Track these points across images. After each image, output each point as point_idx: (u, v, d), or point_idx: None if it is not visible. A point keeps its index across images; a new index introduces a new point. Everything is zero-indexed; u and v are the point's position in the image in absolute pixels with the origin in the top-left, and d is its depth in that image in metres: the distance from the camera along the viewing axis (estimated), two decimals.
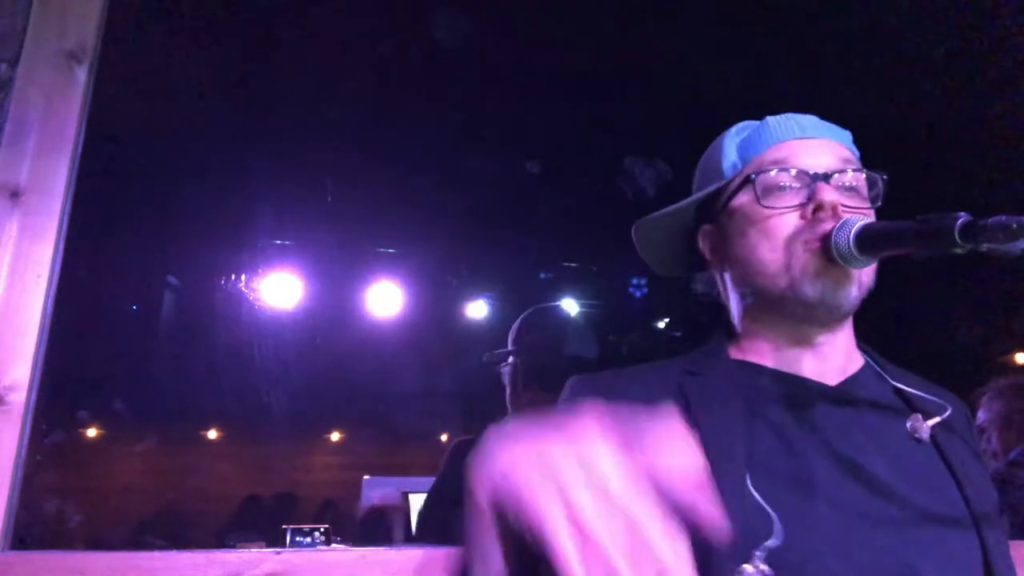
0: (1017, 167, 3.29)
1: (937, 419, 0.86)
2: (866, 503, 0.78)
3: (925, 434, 0.85)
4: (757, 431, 0.81)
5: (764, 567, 0.70)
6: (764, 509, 0.73)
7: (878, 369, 0.92)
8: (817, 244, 0.83)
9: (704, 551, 0.72)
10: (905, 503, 0.79)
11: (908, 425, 0.85)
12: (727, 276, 0.96)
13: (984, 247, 0.69)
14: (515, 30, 3.14)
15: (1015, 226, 0.66)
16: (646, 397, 0.86)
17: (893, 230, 0.77)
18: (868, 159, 0.95)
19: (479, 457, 0.53)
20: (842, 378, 0.88)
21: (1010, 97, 3.12)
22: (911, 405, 0.88)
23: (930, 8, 2.77)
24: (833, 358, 0.89)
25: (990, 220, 0.68)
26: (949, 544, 0.78)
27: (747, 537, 0.71)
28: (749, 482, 0.75)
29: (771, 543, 0.71)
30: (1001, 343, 5.96)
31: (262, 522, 6.62)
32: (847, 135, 0.95)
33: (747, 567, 0.70)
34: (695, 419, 0.81)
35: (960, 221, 0.70)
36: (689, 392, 0.85)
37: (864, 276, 0.86)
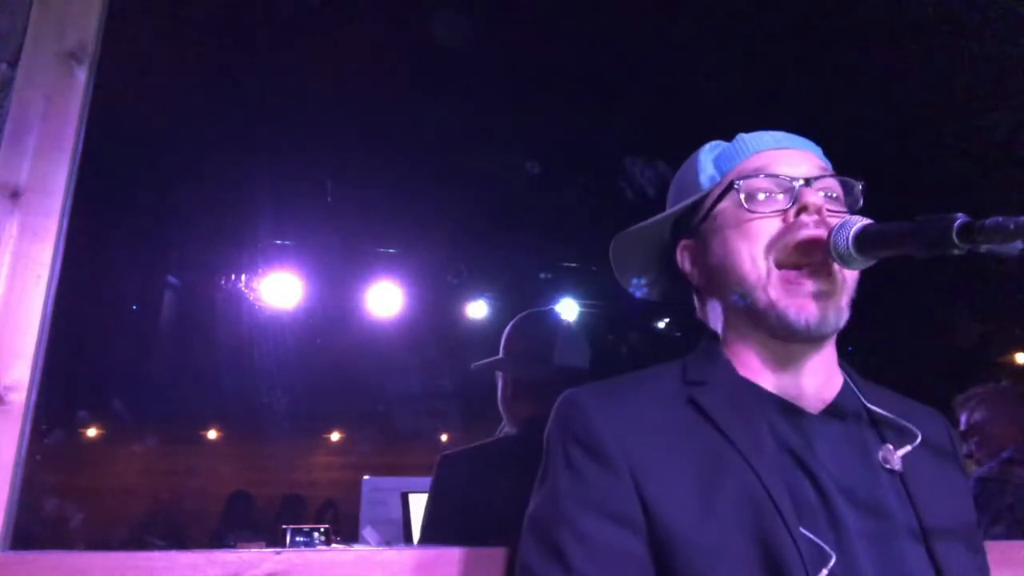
0: (1015, 168, 3.29)
1: (908, 448, 0.85)
2: (858, 527, 0.78)
3: (897, 464, 0.84)
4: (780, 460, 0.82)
5: None
6: (814, 541, 0.75)
7: (855, 389, 0.92)
8: (798, 249, 0.84)
9: None
10: (886, 527, 0.80)
11: (880, 455, 0.85)
12: (708, 288, 0.96)
13: (982, 248, 0.70)
14: (515, 30, 3.14)
15: (1012, 227, 0.66)
16: (654, 409, 0.86)
17: (892, 231, 0.77)
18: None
19: None
20: (825, 399, 0.89)
21: (1009, 98, 3.13)
22: (884, 431, 0.88)
23: (928, 12, 2.77)
24: (817, 373, 0.89)
25: (988, 221, 0.68)
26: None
27: (807, 568, 0.73)
28: (796, 516, 0.77)
29: (830, 565, 0.73)
30: (1001, 343, 5.97)
31: (253, 520, 6.61)
32: (818, 148, 0.96)
33: None
34: (723, 432, 0.81)
35: (958, 222, 0.70)
36: (706, 405, 0.85)
37: (847, 296, 0.86)
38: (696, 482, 0.79)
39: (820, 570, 0.72)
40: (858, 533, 0.77)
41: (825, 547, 0.74)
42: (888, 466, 0.84)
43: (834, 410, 0.88)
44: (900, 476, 0.84)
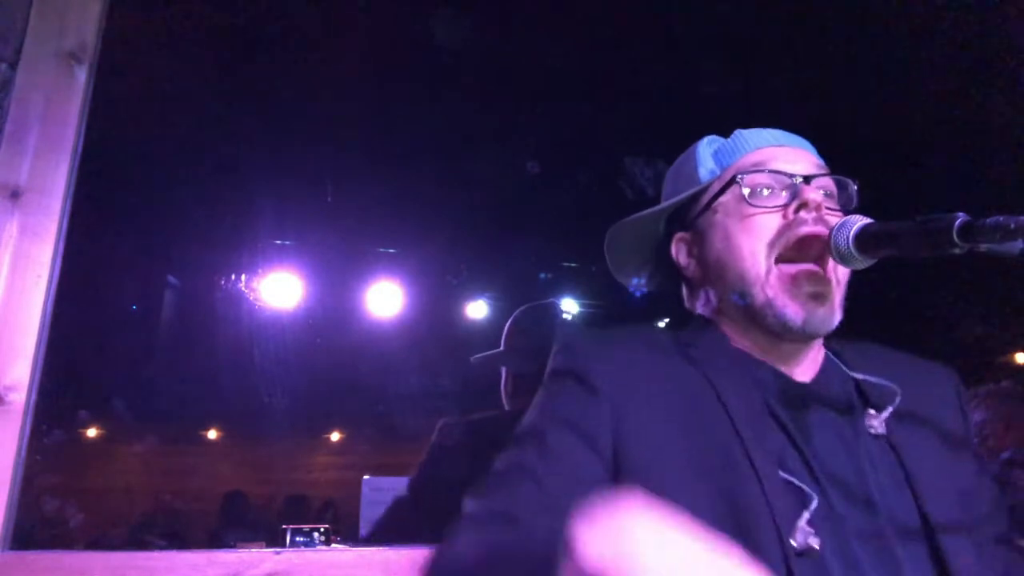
0: (1015, 168, 3.29)
1: (889, 408, 0.85)
2: (841, 505, 0.78)
3: (881, 429, 0.84)
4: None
5: (808, 528, 0.73)
6: (795, 484, 0.76)
7: (837, 361, 0.92)
8: (798, 244, 0.84)
9: (751, 530, 0.72)
10: (869, 509, 0.79)
11: (865, 422, 0.85)
12: (703, 281, 0.96)
13: (982, 247, 0.70)
14: (515, 30, 3.14)
15: (1013, 226, 0.66)
16: (647, 353, 0.88)
17: (892, 230, 0.77)
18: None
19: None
20: (812, 372, 0.90)
21: (1009, 99, 3.12)
22: (868, 397, 0.88)
23: (928, 11, 2.77)
24: (805, 365, 0.90)
25: (988, 220, 0.68)
26: (898, 554, 0.77)
27: (785, 511, 0.73)
28: (778, 464, 0.77)
29: (812, 507, 0.74)
30: (1001, 343, 5.96)
31: (250, 520, 6.60)
32: (812, 146, 0.97)
33: (797, 534, 0.72)
34: (718, 394, 0.82)
35: (959, 222, 0.70)
36: (697, 356, 0.86)
37: (840, 295, 0.87)
38: (675, 427, 0.80)
39: (801, 513, 0.73)
40: (841, 492, 0.78)
41: (806, 488, 0.75)
42: (872, 431, 0.84)
43: (819, 384, 0.89)
44: (887, 439, 0.84)
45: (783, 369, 0.89)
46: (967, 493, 0.84)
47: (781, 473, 0.76)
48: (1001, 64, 2.94)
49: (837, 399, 0.87)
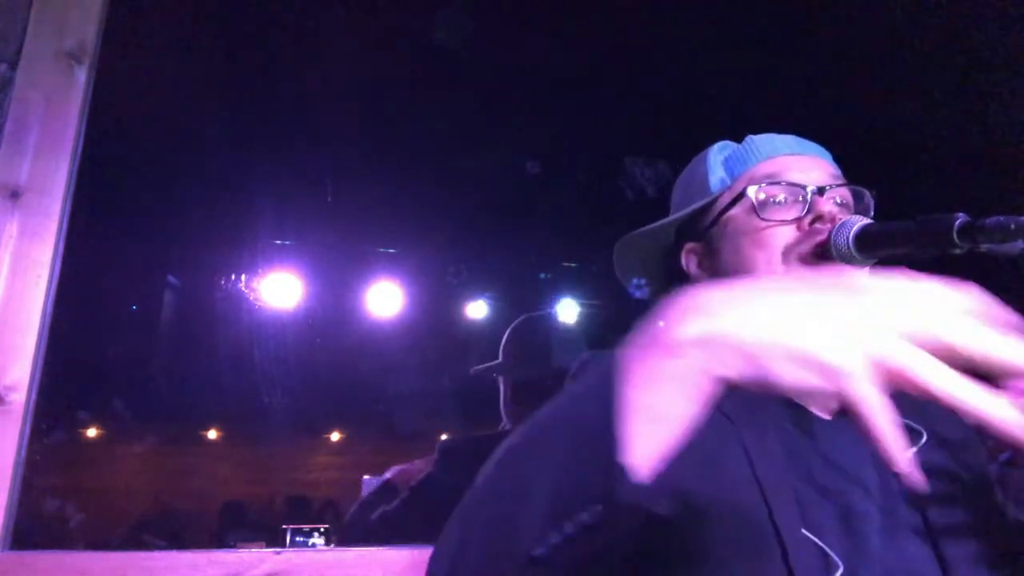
0: (1014, 170, 3.29)
1: (913, 448, 0.81)
2: (873, 528, 0.75)
3: (904, 466, 0.82)
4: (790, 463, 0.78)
5: None
6: (819, 545, 0.71)
7: None
8: (814, 256, 0.83)
9: None
10: (896, 525, 0.76)
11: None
12: None
13: (983, 247, 0.69)
14: (515, 30, 3.14)
15: (1013, 226, 0.66)
16: None
17: (892, 230, 0.77)
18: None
19: (699, 299, 0.51)
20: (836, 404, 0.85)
21: (1008, 100, 3.12)
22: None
23: (927, 14, 2.77)
24: None
25: (988, 220, 0.68)
26: None
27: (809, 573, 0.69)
28: (801, 520, 0.72)
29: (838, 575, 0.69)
30: None
31: (250, 524, 6.61)
32: (827, 153, 0.95)
33: None
34: (740, 435, 0.76)
35: (959, 221, 0.70)
36: (722, 402, 0.82)
37: None
38: (694, 470, 0.75)
39: (825, 568, 0.69)
40: (873, 533, 0.74)
41: (831, 554, 0.70)
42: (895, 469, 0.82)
43: (844, 414, 0.85)
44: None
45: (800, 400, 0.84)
46: (989, 532, 0.81)
47: (804, 532, 0.71)
48: (1001, 64, 2.94)
49: (857, 435, 0.84)
